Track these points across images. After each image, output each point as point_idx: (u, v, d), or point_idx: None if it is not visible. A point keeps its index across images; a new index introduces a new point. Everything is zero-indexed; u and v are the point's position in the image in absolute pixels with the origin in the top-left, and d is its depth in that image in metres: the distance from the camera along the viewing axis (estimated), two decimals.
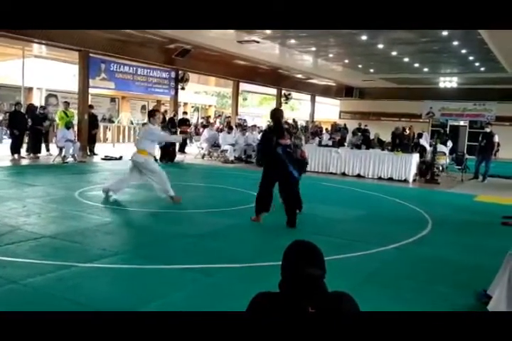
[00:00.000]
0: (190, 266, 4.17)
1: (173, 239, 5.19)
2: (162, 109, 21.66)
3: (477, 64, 16.96)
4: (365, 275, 4.19)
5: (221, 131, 16.12)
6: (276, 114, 6.29)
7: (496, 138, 12.91)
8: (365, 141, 13.32)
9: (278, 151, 5.93)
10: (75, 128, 13.74)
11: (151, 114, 7.37)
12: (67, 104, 13.92)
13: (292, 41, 14.52)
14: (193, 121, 24.78)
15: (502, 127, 19.86)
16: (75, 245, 4.70)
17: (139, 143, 7.29)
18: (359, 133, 15.26)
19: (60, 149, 12.09)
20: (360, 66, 19.11)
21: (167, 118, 14.87)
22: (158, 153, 13.27)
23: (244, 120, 20.80)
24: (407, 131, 13.20)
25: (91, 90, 14.92)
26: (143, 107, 25.36)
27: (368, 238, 5.62)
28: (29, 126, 12.55)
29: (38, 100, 18.40)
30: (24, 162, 11.90)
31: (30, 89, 19.00)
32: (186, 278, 3.93)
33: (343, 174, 12.20)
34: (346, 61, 18.02)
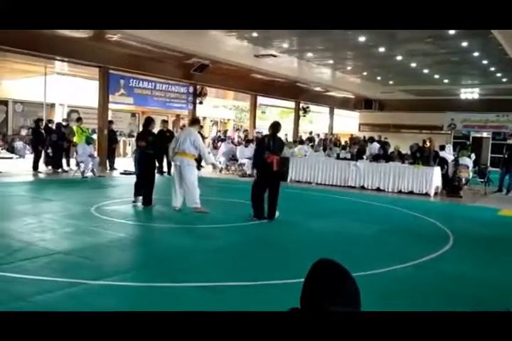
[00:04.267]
0: (200, 284, 4.08)
1: (186, 255, 5.12)
2: (181, 123, 21.86)
3: (499, 74, 16.69)
4: (380, 295, 4.02)
5: (239, 144, 16.11)
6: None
7: None
8: (384, 154, 13.13)
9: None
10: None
11: (194, 121, 8.34)
12: (80, 120, 14.09)
13: (309, 54, 14.53)
14: (212, 134, 24.84)
15: None
16: (87, 261, 4.67)
17: (185, 146, 7.53)
18: (377, 144, 15.00)
19: (80, 164, 12.23)
20: (378, 78, 19.01)
21: None
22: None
23: (261, 133, 20.78)
24: (428, 144, 12.92)
25: (112, 106, 15.14)
26: (164, 121, 25.65)
27: (386, 254, 5.46)
28: (53, 141, 12.78)
29: (60, 116, 18.72)
30: (44, 177, 12.06)
31: (52, 105, 19.38)
32: (196, 296, 3.85)
33: (362, 188, 12.00)
34: (364, 73, 17.95)
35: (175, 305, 3.60)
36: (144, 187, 7.99)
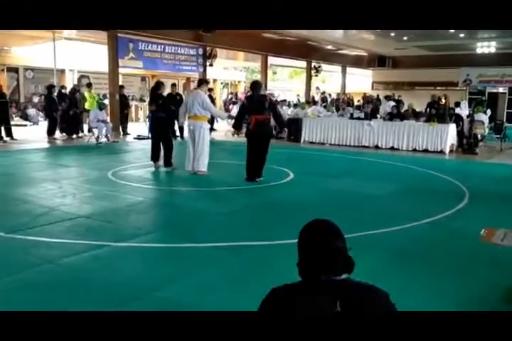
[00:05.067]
0: (220, 244, 4.19)
1: (203, 216, 5.23)
2: (191, 86, 21.68)
3: None
4: (394, 252, 4.10)
5: None
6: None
7: None
8: (398, 113, 12.96)
9: None
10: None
11: (201, 82, 8.17)
12: (90, 85, 14.10)
13: None
14: (223, 97, 24.65)
15: None
16: (108, 225, 4.80)
17: (195, 110, 7.56)
18: (392, 102, 14.79)
19: (92, 130, 12.30)
20: (392, 34, 18.42)
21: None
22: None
23: (273, 94, 20.54)
24: (443, 101, 12.70)
25: (121, 70, 15.01)
26: (173, 85, 25.44)
27: (401, 213, 5.51)
28: (67, 106, 12.83)
29: (70, 82, 18.68)
30: (59, 143, 12.19)
31: (62, 71, 19.29)
32: (217, 255, 3.96)
33: (376, 147, 11.96)
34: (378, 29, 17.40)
35: (196, 264, 3.73)
36: (159, 150, 8.09)
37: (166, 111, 8.07)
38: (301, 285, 1.54)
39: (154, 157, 8.13)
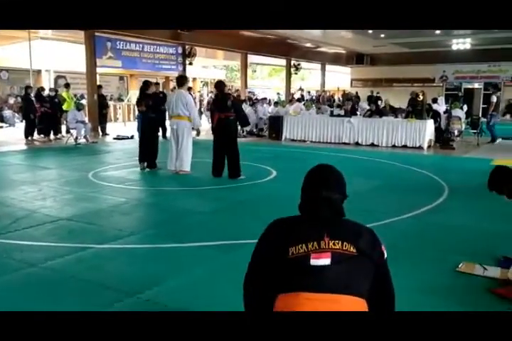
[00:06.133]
0: (206, 244, 4.19)
1: (188, 216, 5.21)
2: (171, 85, 21.53)
3: None
4: None
5: None
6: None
7: (493, 99, 12.79)
8: (376, 109, 13.12)
9: None
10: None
11: (182, 81, 7.84)
12: (68, 86, 13.92)
13: None
14: (204, 95, 24.50)
15: None
16: (91, 226, 4.75)
17: (178, 110, 7.51)
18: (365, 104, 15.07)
19: (70, 131, 12.14)
20: (370, 31, 18.59)
21: None
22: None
23: (253, 93, 20.55)
24: (421, 97, 12.87)
25: (99, 69, 14.84)
26: (156, 84, 25.20)
27: (383, 208, 5.58)
28: (47, 108, 12.62)
29: (47, 82, 18.39)
30: (37, 145, 11.99)
31: (38, 72, 18.97)
32: (203, 255, 3.95)
33: (357, 144, 12.08)
34: None
35: (182, 264, 3.72)
36: (147, 151, 8.03)
37: (156, 111, 8.01)
38: (297, 218, 1.80)
39: (142, 158, 8.05)
